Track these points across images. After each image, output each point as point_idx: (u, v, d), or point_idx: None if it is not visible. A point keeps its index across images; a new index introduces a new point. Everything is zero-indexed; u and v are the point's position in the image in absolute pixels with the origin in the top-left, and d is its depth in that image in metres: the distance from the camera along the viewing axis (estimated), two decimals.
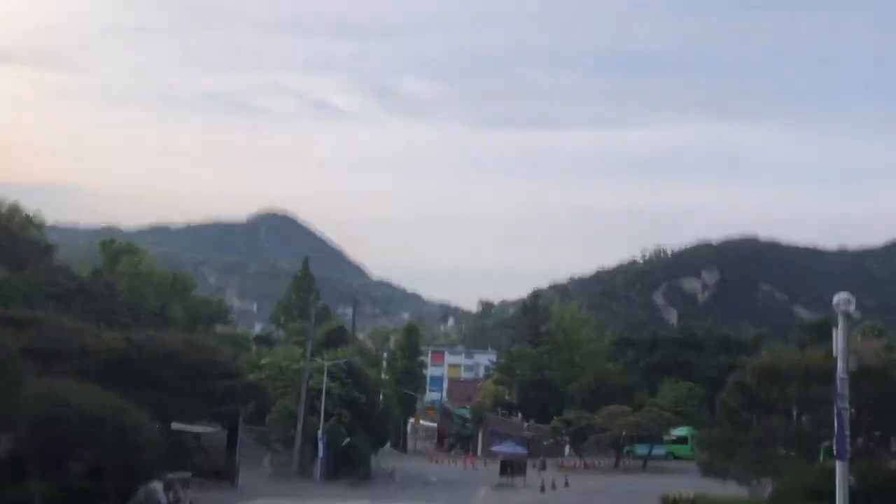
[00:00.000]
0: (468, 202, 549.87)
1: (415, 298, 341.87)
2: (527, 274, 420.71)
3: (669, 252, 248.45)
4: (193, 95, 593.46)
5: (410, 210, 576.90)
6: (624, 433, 56.60)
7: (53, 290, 52.43)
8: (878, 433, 24.22)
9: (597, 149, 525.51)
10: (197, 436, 34.98)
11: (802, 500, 18.46)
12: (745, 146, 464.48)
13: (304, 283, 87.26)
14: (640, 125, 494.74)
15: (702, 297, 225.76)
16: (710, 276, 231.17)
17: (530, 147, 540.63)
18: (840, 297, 14.39)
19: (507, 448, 54.15)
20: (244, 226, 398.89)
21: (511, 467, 47.41)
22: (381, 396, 65.04)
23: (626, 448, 59.36)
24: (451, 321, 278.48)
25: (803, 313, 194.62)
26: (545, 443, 66.93)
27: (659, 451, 60.03)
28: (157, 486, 23.88)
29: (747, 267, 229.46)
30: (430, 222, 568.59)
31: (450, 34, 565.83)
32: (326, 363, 47.80)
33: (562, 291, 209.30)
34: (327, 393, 46.31)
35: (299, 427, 44.96)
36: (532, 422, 75.87)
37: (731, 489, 25.47)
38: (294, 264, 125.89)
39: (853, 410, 16.25)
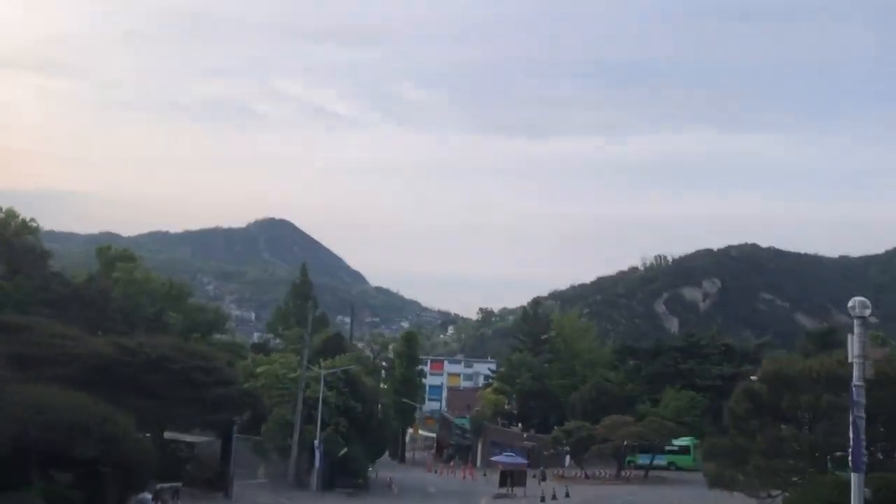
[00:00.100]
0: (467, 210, 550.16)
1: (414, 306, 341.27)
2: (527, 282, 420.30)
3: (670, 260, 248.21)
4: (193, 102, 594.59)
5: (410, 217, 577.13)
6: (625, 443, 55.81)
7: (48, 296, 51.95)
8: (884, 443, 23.50)
9: (597, 156, 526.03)
10: (190, 445, 34.29)
11: None
12: (745, 153, 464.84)
13: (302, 291, 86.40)
14: (639, 133, 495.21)
15: (703, 305, 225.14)
16: (711, 285, 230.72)
17: (530, 154, 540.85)
18: (856, 301, 13.75)
19: (506, 458, 53.45)
20: (243, 233, 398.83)
21: (511, 478, 46.69)
22: (379, 405, 64.30)
23: (628, 458, 58.60)
24: (450, 329, 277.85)
25: (805, 321, 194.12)
26: (545, 453, 66.13)
27: (660, 461, 59.28)
28: (146, 496, 23.23)
29: (748, 275, 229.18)
30: (429, 230, 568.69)
31: (449, 42, 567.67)
32: (323, 371, 47.16)
33: (562, 299, 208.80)
34: (324, 402, 45.68)
35: (295, 436, 44.31)
36: (532, 432, 75.09)
37: (739, 501, 24.76)
38: (293, 272, 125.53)
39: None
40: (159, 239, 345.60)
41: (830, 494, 16.87)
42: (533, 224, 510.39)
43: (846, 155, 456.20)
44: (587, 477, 57.13)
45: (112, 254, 76.23)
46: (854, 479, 13.27)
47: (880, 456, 22.73)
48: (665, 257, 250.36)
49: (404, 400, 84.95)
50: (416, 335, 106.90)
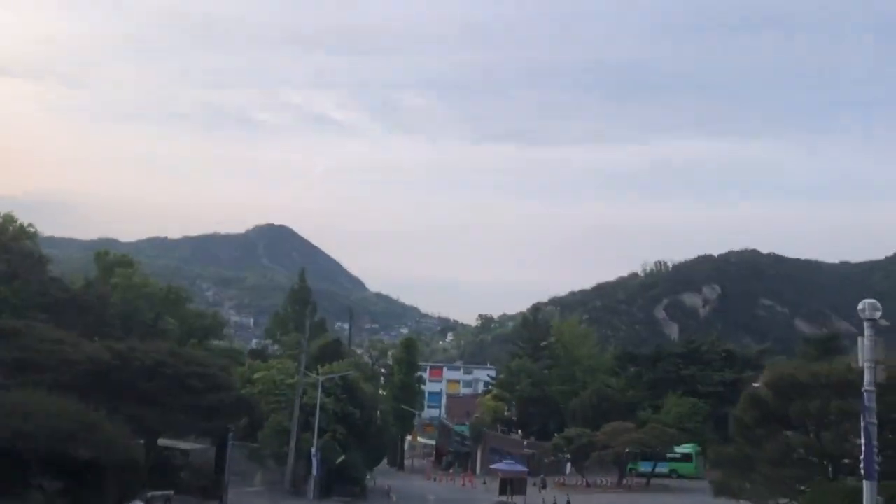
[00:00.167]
0: (467, 216, 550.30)
1: (413, 312, 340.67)
2: (526, 288, 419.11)
3: (670, 266, 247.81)
4: (193, 108, 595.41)
5: (409, 224, 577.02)
6: (627, 450, 55.22)
7: (45, 301, 51.59)
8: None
9: (596, 162, 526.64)
10: (185, 452, 33.77)
11: None
12: (744, 160, 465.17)
13: (301, 296, 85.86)
14: (639, 140, 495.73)
15: (703, 311, 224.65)
16: (711, 291, 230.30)
17: (529, 162, 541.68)
18: (866, 304, 13.28)
19: (506, 466, 52.96)
20: (242, 239, 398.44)
21: (511, 486, 46.13)
22: (377, 412, 63.71)
23: (629, 466, 58.01)
24: (449, 336, 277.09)
25: (805, 328, 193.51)
26: (546, 460, 65.52)
27: (662, 468, 58.69)
28: None
29: (748, 281, 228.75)
30: (428, 236, 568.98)
31: (448, 50, 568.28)
32: (321, 377, 46.64)
33: (562, 305, 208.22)
34: (322, 408, 45.15)
35: (292, 443, 43.73)
36: (532, 439, 74.49)
37: None
38: (292, 278, 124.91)
39: None
40: (158, 245, 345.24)
41: (841, 503, 16.35)
42: (532, 230, 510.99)
43: (846, 161, 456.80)
44: (588, 485, 56.50)
45: (110, 259, 75.74)
46: (866, 486, 12.81)
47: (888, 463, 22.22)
48: (665, 263, 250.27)
49: (403, 407, 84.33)
50: (416, 341, 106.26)
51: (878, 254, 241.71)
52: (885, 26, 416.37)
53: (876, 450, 12.80)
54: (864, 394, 12.89)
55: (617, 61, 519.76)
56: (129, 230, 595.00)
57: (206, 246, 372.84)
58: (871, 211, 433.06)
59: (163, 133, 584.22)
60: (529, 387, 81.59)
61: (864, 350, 13.17)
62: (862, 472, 13.20)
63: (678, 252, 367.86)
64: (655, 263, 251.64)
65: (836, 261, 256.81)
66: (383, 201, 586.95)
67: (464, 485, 63.26)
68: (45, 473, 20.86)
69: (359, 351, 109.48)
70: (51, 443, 18.17)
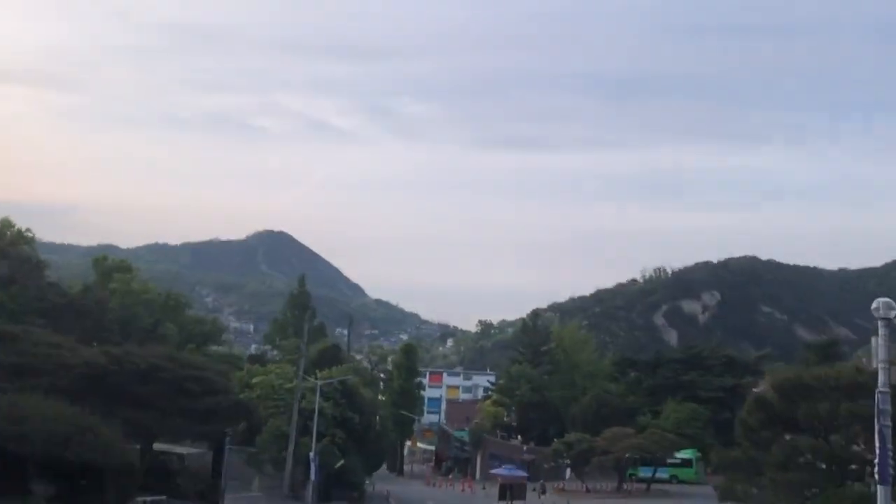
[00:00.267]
0: (466, 223, 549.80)
1: (413, 318, 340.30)
2: (525, 294, 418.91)
3: (669, 272, 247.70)
4: (193, 115, 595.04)
5: (409, 230, 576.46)
6: (627, 456, 54.89)
7: (43, 306, 51.31)
8: None
9: (596, 169, 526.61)
10: (181, 456, 33.34)
11: None
12: (744, 166, 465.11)
13: (300, 301, 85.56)
14: (638, 146, 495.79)
15: (702, 318, 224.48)
16: (710, 297, 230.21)
17: (529, 168, 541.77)
18: (880, 303, 12.96)
19: (506, 471, 52.59)
20: (242, 245, 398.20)
21: (510, 491, 45.80)
22: (377, 417, 63.37)
23: (629, 471, 57.67)
24: (449, 342, 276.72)
25: (804, 334, 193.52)
26: (545, 466, 65.19)
27: (662, 474, 58.36)
28: None
29: (747, 287, 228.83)
30: (428, 243, 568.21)
31: (448, 56, 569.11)
32: (319, 382, 46.31)
33: (561, 311, 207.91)
34: (320, 413, 44.78)
35: (291, 448, 43.33)
36: (532, 444, 74.15)
37: None
38: (292, 284, 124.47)
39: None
40: (158, 251, 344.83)
41: None
42: (532, 236, 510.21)
43: (845, 167, 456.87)
44: (588, 490, 56.14)
45: (109, 264, 75.48)
46: (880, 491, 12.47)
47: None
48: (664, 270, 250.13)
49: (403, 412, 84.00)
50: (415, 347, 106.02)
51: (877, 260, 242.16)
52: (884, 33, 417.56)
53: (890, 453, 12.46)
54: (878, 395, 12.55)
55: (617, 68, 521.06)
56: (129, 236, 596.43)
57: (206, 252, 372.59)
58: (869, 217, 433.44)
59: (163, 139, 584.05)
60: (529, 392, 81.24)
61: (879, 350, 12.85)
62: (875, 476, 12.85)
63: (677, 258, 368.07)
64: (654, 269, 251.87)
65: (835, 267, 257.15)
66: (383, 207, 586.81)
67: (463, 490, 62.88)
68: (40, 477, 20.49)
69: (358, 357, 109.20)
70: (45, 447, 17.81)
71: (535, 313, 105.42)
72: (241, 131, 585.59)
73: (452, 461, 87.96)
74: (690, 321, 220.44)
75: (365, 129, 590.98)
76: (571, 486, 59.35)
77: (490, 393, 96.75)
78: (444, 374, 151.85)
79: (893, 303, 13.04)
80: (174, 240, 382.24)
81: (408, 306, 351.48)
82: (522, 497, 45.84)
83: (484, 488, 59.83)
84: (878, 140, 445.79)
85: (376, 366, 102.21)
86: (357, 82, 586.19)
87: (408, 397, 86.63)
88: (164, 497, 26.47)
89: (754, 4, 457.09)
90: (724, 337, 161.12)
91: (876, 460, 12.70)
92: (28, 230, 65.30)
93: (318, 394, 45.03)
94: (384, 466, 76.10)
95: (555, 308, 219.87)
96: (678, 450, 58.06)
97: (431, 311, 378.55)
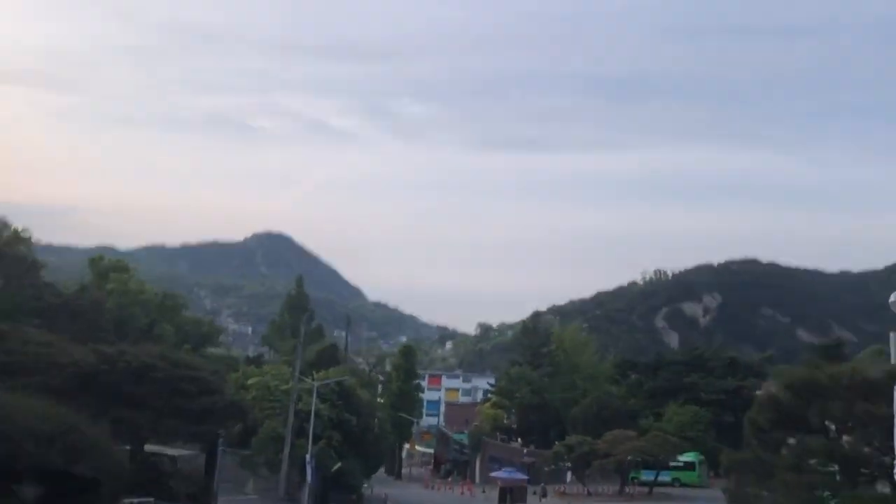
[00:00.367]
0: (466, 224, 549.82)
1: (412, 321, 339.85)
2: (525, 297, 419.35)
3: (670, 274, 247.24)
4: (192, 116, 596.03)
5: (408, 232, 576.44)
6: (628, 458, 54.23)
7: (38, 306, 50.92)
8: None
9: (596, 171, 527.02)
10: (173, 458, 32.69)
11: None
12: (745, 169, 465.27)
13: (298, 302, 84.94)
14: (639, 148, 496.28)
15: (703, 320, 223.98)
16: (712, 300, 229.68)
17: (528, 169, 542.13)
18: None
19: (506, 474, 51.99)
20: (241, 247, 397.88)
21: (511, 494, 45.23)
22: (375, 419, 62.67)
23: (631, 474, 57.03)
24: (448, 344, 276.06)
25: (805, 336, 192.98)
26: (546, 469, 64.50)
27: (665, 477, 57.74)
28: None
29: (748, 290, 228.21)
30: (427, 244, 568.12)
31: (447, 57, 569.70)
32: (316, 383, 45.65)
33: (561, 314, 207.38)
34: (317, 414, 44.09)
35: (286, 450, 42.68)
36: (532, 447, 73.51)
37: None
38: (290, 286, 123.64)
39: None
40: (157, 252, 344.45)
41: None
42: (532, 239, 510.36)
43: (846, 170, 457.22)
44: (589, 493, 55.51)
45: (105, 264, 75.00)
46: None
47: None
48: (665, 272, 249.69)
49: (401, 414, 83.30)
50: (414, 349, 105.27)
51: (879, 263, 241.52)
52: (884, 36, 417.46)
53: None
54: None
55: (618, 70, 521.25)
56: (127, 237, 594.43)
57: (205, 254, 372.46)
58: (871, 220, 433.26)
59: (162, 140, 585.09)
60: (529, 394, 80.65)
61: None
62: (895, 477, 12.22)
63: (678, 260, 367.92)
64: (655, 272, 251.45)
65: (837, 270, 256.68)
66: (382, 209, 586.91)
67: (462, 493, 62.28)
68: (26, 478, 19.86)
69: (357, 359, 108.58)
70: (30, 447, 17.19)
71: (536, 315, 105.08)
72: (241, 132, 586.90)
73: (451, 464, 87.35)
74: (691, 324, 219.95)
75: (364, 129, 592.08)
76: (572, 490, 58.73)
77: (489, 395, 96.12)
78: (444, 377, 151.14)
79: None
80: (173, 241, 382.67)
81: (407, 308, 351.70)
82: (523, 500, 45.27)
83: (484, 491, 59.22)
84: (880, 142, 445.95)
85: (374, 367, 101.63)
86: (356, 82, 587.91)
87: (406, 400, 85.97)
88: (151, 499, 25.82)
89: (754, 5, 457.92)
90: (725, 339, 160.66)
91: (895, 461, 12.05)
92: (25, 230, 64.86)
93: (314, 395, 44.38)
94: (382, 469, 75.36)
95: (554, 310, 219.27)
96: (680, 453, 57.46)
97: (430, 314, 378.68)
